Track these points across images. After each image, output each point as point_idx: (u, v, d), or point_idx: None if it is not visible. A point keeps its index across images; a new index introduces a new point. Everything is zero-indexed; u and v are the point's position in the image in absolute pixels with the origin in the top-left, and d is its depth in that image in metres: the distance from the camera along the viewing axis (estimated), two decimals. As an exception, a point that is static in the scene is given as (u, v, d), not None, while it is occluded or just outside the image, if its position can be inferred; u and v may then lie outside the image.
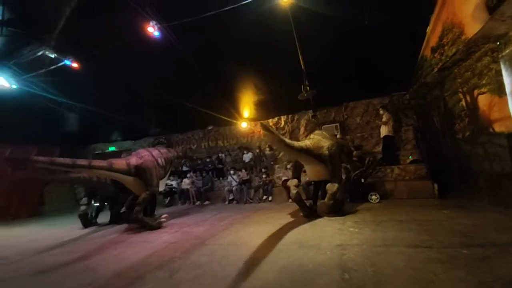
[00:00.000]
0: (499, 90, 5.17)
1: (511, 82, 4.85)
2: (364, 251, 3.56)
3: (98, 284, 3.32)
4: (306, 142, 6.07)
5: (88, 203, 7.70)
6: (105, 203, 8.28)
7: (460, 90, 6.65)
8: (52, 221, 9.33)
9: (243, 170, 10.35)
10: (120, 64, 10.12)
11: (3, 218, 10.30)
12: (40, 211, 11.71)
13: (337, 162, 6.15)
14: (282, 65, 9.22)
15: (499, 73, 5.12)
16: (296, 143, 5.77)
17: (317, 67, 8.84)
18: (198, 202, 10.30)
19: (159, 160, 7.13)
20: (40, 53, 8.88)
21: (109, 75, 10.63)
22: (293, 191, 6.15)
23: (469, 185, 6.77)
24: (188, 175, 11.15)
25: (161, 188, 7.70)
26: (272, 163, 10.87)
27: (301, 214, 6.30)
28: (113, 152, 13.83)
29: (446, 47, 6.09)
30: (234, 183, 9.97)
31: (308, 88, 8.99)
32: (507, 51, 4.86)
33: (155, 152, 7.29)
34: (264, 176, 9.73)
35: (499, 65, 5.08)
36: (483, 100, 5.79)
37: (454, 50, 5.70)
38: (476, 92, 5.99)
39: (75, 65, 9.25)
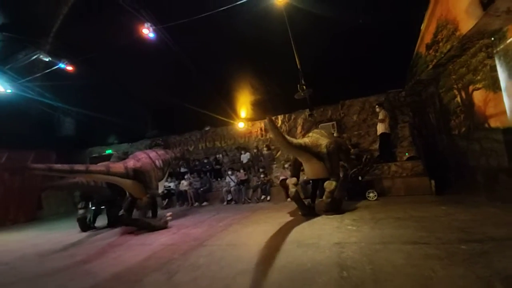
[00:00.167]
0: (494, 85, 5.20)
1: (506, 78, 4.88)
2: (362, 248, 3.56)
3: (97, 288, 3.31)
4: (305, 140, 6.13)
5: (86, 207, 7.64)
6: (102, 207, 8.23)
7: (455, 86, 6.68)
8: (51, 225, 9.27)
9: (241, 171, 10.33)
10: (115, 66, 10.10)
11: (1, 223, 10.23)
12: (38, 215, 11.64)
13: (335, 160, 6.17)
14: (278, 65, 9.25)
15: (493, 69, 5.14)
16: (295, 140, 5.86)
17: (313, 66, 8.87)
18: (196, 204, 10.27)
19: (157, 162, 7.09)
20: (35, 57, 8.83)
21: (105, 78, 10.61)
22: (292, 189, 6.15)
23: (466, 180, 6.80)
24: (185, 177, 11.12)
25: (160, 190, 7.67)
26: (270, 162, 10.87)
27: (300, 213, 6.30)
28: (110, 155, 13.77)
29: (440, 44, 6.11)
30: (232, 184, 9.95)
31: (304, 87, 9.00)
32: (501, 46, 4.89)
33: (152, 154, 7.23)
34: (262, 176, 9.72)
35: (494, 61, 5.10)
36: (478, 96, 5.82)
37: (448, 46, 5.72)
38: (471, 88, 6.02)
39: (69, 68, 9.21)
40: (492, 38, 5.08)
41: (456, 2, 5.17)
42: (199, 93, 10.76)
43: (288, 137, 5.61)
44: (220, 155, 12.24)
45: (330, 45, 8.39)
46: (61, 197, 12.21)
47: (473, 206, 5.30)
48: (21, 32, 8.53)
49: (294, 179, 6.41)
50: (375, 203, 6.81)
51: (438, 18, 6.03)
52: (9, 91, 9.48)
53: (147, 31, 7.85)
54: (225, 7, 7.03)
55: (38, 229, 8.74)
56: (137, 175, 6.38)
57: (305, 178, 7.60)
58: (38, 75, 9.40)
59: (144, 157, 6.88)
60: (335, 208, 6.04)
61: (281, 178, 9.23)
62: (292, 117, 11.71)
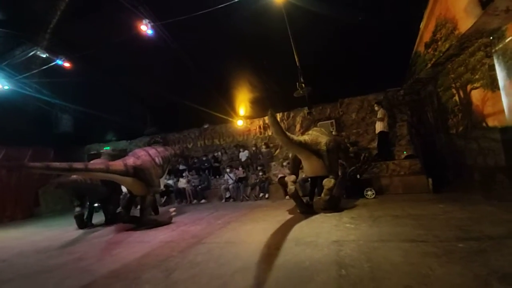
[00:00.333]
0: (492, 84, 5.21)
1: (504, 76, 4.89)
2: (360, 246, 3.57)
3: (97, 285, 3.30)
4: (304, 137, 6.14)
5: (82, 204, 7.56)
6: (95, 205, 8.18)
7: (453, 85, 6.70)
8: (48, 222, 9.24)
9: (240, 168, 10.33)
10: (113, 63, 10.05)
11: (-1, 220, 10.22)
12: (35, 212, 11.61)
13: (334, 158, 6.18)
14: (277, 63, 9.23)
15: (492, 68, 5.15)
16: (295, 137, 5.86)
17: (312, 64, 8.84)
18: (194, 201, 10.28)
19: (157, 160, 7.04)
20: (32, 53, 8.77)
21: (103, 75, 10.55)
22: (291, 186, 6.16)
23: (464, 179, 6.84)
24: (184, 174, 11.12)
25: (161, 186, 7.68)
26: (268, 160, 10.88)
27: (298, 210, 6.31)
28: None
29: (439, 43, 6.11)
30: (230, 181, 9.96)
31: (303, 85, 8.99)
32: (500, 45, 4.89)
33: (152, 151, 7.18)
34: (260, 173, 9.73)
35: (492, 60, 5.11)
36: (476, 95, 5.83)
37: (447, 45, 5.73)
38: (469, 87, 6.03)
39: (67, 64, 9.15)
40: (491, 37, 5.08)
41: (455, 1, 5.17)
42: (198, 90, 10.72)
43: (289, 134, 5.62)
44: (219, 153, 12.24)
45: (329, 43, 8.38)
46: (58, 194, 12.16)
47: (470, 204, 5.33)
48: (18, 28, 8.46)
49: (293, 177, 6.42)
50: (373, 201, 6.83)
51: (437, 17, 6.03)
52: (6, 87, 9.42)
53: (145, 28, 7.80)
54: (223, 4, 6.99)
55: (36, 226, 8.72)
56: (137, 173, 6.32)
57: (303, 176, 7.60)
58: (35, 71, 9.34)
59: (144, 154, 6.83)
60: (334, 206, 6.06)
61: (279, 176, 9.21)
62: (291, 115, 11.71)
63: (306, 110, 11.23)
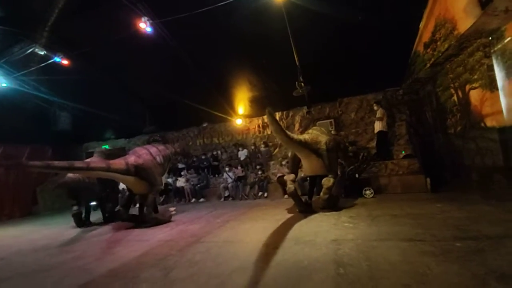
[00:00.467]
0: (491, 85, 5.23)
1: (503, 77, 4.90)
2: (359, 245, 3.58)
3: (95, 284, 3.30)
4: (304, 136, 6.14)
5: (78, 203, 7.47)
6: (91, 203, 8.13)
7: (452, 85, 6.71)
8: (46, 220, 9.23)
9: (239, 167, 10.34)
10: (112, 61, 10.02)
11: (-3, 218, 10.21)
12: (33, 210, 11.59)
13: (334, 157, 6.18)
14: (277, 62, 9.21)
15: (491, 68, 5.17)
16: (295, 136, 5.85)
17: (312, 63, 8.83)
18: (193, 200, 10.28)
19: (158, 158, 6.99)
20: (30, 50, 8.72)
21: (101, 73, 10.51)
22: (290, 185, 6.17)
23: (461, 179, 6.86)
24: (183, 173, 11.11)
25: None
26: (267, 159, 10.88)
27: (297, 209, 6.32)
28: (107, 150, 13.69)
29: (438, 43, 6.12)
30: (229, 180, 9.97)
31: (302, 84, 8.98)
32: (499, 46, 4.91)
33: (153, 149, 7.13)
34: (259, 172, 9.73)
35: (491, 60, 5.13)
36: (474, 95, 5.85)
37: (446, 45, 5.74)
38: (468, 87, 6.05)
39: (65, 62, 9.10)
40: (490, 38, 5.09)
41: (454, 1, 5.18)
42: (197, 89, 10.70)
43: (288, 132, 5.61)
44: (218, 152, 12.24)
45: (329, 43, 8.37)
46: (56, 193, 12.13)
47: (468, 204, 5.34)
48: (17, 25, 8.42)
49: (292, 176, 6.43)
50: (372, 201, 6.84)
51: (436, 17, 6.04)
52: (4, 85, 9.37)
53: (144, 26, 7.75)
54: (223, 2, 6.97)
55: (34, 224, 8.71)
56: (138, 171, 6.26)
57: (302, 175, 7.61)
58: (33, 68, 9.29)
59: (145, 153, 6.76)
60: (332, 205, 6.07)
61: (278, 175, 9.24)
62: (290, 114, 11.72)
63: (305, 109, 11.24)
